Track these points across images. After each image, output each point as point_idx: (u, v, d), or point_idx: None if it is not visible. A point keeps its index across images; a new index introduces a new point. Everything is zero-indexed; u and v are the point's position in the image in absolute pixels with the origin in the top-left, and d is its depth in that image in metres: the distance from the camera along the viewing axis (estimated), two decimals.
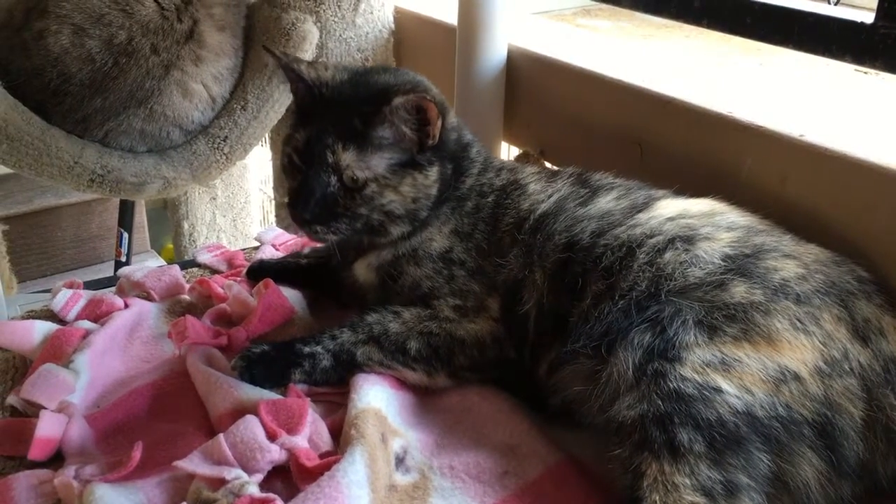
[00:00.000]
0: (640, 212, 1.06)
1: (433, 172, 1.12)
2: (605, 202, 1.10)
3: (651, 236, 1.01)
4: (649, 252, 0.98)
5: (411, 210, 1.11)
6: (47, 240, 2.84)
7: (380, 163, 1.08)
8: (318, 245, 1.47)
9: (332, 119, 1.09)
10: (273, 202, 2.48)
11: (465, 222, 1.14)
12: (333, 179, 1.07)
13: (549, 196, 1.13)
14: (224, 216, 2.42)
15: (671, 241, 0.99)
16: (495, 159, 1.26)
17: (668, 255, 0.97)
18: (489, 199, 1.16)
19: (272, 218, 2.60)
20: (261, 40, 1.74)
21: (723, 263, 0.95)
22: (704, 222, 1.02)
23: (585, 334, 0.97)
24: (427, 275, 1.12)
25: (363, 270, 1.18)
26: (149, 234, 3.05)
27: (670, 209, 1.05)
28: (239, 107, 1.71)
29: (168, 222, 2.59)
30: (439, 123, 1.10)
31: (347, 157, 1.06)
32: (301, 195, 1.07)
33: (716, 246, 0.97)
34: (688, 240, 0.98)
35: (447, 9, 1.81)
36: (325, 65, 1.16)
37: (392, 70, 1.25)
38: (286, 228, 1.67)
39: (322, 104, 1.11)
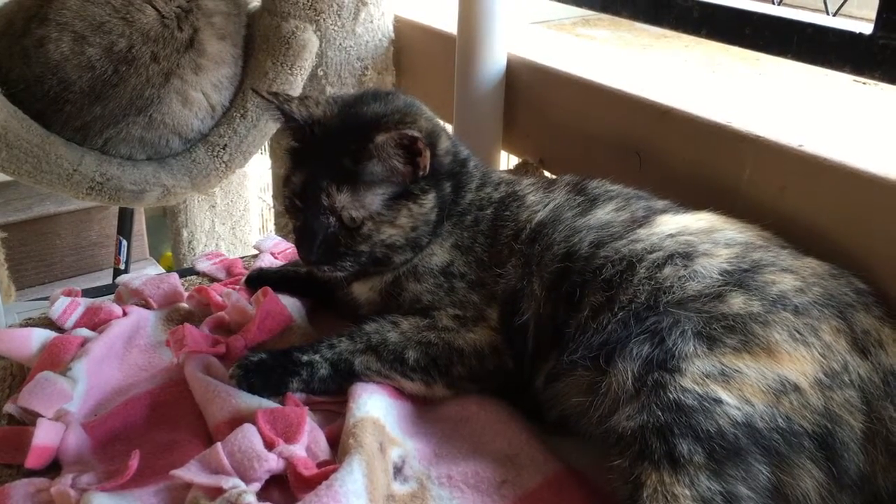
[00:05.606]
0: (640, 227, 1.06)
1: (429, 199, 1.11)
2: (604, 213, 1.10)
3: (651, 252, 1.01)
4: (649, 267, 0.99)
5: (412, 239, 1.10)
6: (46, 247, 2.84)
7: (374, 200, 1.07)
8: None
9: (325, 159, 1.08)
10: (272, 210, 2.49)
11: (466, 236, 1.14)
12: (332, 220, 1.07)
13: (546, 205, 1.13)
14: (223, 224, 2.42)
15: (670, 257, 0.99)
16: (494, 173, 1.25)
17: (666, 270, 0.98)
18: (488, 212, 1.16)
19: (271, 226, 2.60)
20: (261, 49, 1.75)
21: (720, 278, 0.95)
22: (703, 239, 1.02)
23: (583, 345, 0.97)
24: (428, 289, 1.12)
25: (364, 291, 1.18)
26: (148, 242, 3.04)
27: (671, 225, 1.05)
28: (238, 115, 1.72)
29: (167, 230, 2.59)
30: (428, 154, 1.08)
31: (342, 199, 1.06)
32: (304, 238, 1.08)
33: (714, 262, 0.97)
34: (686, 256, 0.99)
35: (447, 18, 1.81)
36: (315, 100, 1.14)
37: (383, 96, 1.19)
38: (285, 237, 1.66)
39: (315, 143, 1.10)
